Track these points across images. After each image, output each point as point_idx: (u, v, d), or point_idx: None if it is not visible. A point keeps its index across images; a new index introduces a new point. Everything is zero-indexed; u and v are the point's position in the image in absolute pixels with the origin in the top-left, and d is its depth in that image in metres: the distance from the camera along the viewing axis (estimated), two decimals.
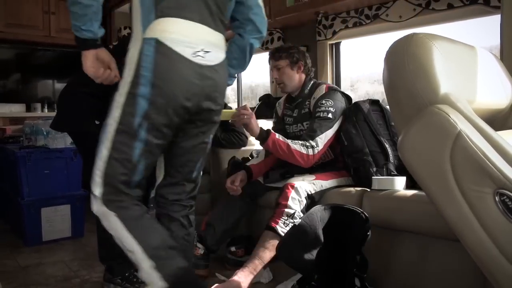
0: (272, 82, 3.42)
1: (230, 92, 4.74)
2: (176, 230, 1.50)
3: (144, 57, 1.28)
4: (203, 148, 1.51)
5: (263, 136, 2.04)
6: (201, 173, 1.58)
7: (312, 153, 2.06)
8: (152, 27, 1.29)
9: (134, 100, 1.29)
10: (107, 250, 1.77)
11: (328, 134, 2.12)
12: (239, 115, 2.00)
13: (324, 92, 2.22)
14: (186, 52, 1.31)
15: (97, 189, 1.32)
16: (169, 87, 1.30)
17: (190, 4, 1.34)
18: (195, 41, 1.33)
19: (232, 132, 2.77)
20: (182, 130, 1.44)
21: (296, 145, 2.05)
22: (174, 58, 1.29)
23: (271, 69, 2.39)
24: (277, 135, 2.05)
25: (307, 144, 2.06)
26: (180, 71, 1.31)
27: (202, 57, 1.33)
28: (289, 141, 2.05)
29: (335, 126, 2.15)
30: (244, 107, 2.03)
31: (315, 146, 2.07)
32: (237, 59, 1.60)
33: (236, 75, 1.66)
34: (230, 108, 2.92)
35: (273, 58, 2.35)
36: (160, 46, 1.28)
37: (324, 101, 2.17)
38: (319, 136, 2.08)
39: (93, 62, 1.32)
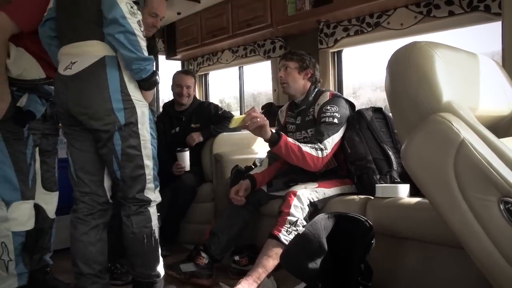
0: (274, 90, 3.43)
1: (232, 101, 4.75)
2: None
3: None
4: (107, 154, 1.65)
5: (275, 139, 1.99)
6: (123, 176, 1.67)
7: (321, 156, 2.05)
8: None
9: None
10: None
11: (335, 138, 2.11)
12: (252, 118, 1.94)
13: (328, 98, 2.23)
14: (60, 69, 1.65)
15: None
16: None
17: (62, 32, 1.68)
18: (66, 58, 1.63)
19: (222, 121, 2.89)
20: (94, 140, 1.67)
21: (307, 148, 2.04)
22: (56, 77, 1.69)
23: (279, 69, 2.40)
24: (288, 138, 2.04)
25: (316, 146, 2.06)
26: (55, 86, 1.70)
27: (70, 69, 1.60)
28: (299, 144, 2.04)
29: (341, 131, 2.15)
30: (253, 110, 1.98)
31: (324, 148, 2.06)
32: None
33: (138, 67, 1.58)
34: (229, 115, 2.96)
35: (284, 58, 2.37)
36: None
37: (329, 107, 2.17)
38: (327, 140, 2.08)
39: None
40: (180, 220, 2.75)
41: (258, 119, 1.94)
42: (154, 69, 1.63)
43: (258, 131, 1.98)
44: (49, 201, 2.03)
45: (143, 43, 1.56)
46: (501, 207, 0.98)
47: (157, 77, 1.65)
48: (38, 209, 1.95)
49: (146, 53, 1.58)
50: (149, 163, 1.67)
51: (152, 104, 1.73)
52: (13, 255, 1.78)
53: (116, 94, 1.57)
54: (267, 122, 1.98)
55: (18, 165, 1.81)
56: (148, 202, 1.70)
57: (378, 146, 2.09)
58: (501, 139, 1.09)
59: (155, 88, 1.76)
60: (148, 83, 1.63)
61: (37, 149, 1.92)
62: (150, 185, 1.69)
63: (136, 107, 1.62)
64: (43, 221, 1.99)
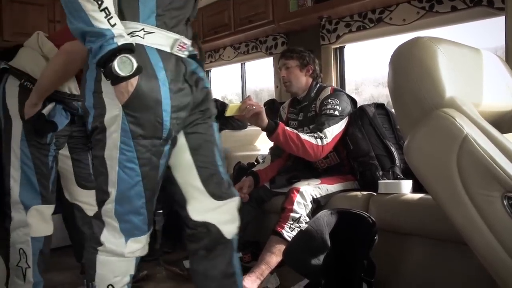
0: (276, 87, 3.42)
1: (235, 98, 4.75)
2: None
3: None
4: None
5: (272, 127, 1.98)
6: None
7: (321, 144, 2.04)
8: None
9: None
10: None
11: (335, 129, 2.10)
12: (247, 106, 1.92)
13: (329, 93, 2.23)
14: None
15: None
16: None
17: None
18: None
19: (229, 118, 2.82)
20: None
21: (306, 136, 2.03)
22: None
23: (280, 68, 2.39)
24: (286, 126, 2.03)
25: (316, 135, 2.05)
26: None
27: None
28: (297, 132, 2.04)
29: (342, 124, 2.14)
30: (249, 98, 1.96)
31: (324, 137, 2.05)
32: None
33: (88, 45, 1.04)
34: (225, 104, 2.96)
35: (284, 57, 2.36)
36: None
37: (330, 100, 2.17)
38: (327, 129, 2.07)
39: None
40: None
41: (254, 107, 1.93)
42: (118, 46, 1.00)
43: (254, 119, 1.97)
44: (85, 199, 1.98)
45: (91, 7, 0.99)
46: (505, 202, 0.98)
47: (114, 64, 1.00)
48: (76, 209, 1.97)
49: (103, 25, 1.00)
50: (111, 191, 1.14)
51: (141, 110, 1.09)
52: (31, 262, 1.75)
53: (90, 84, 1.12)
54: (263, 109, 1.97)
55: (40, 168, 1.76)
56: (96, 241, 1.18)
57: (380, 142, 2.09)
58: (504, 135, 1.08)
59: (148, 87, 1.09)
60: (106, 74, 1.04)
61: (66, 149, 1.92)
62: (109, 220, 1.16)
63: (106, 107, 1.10)
64: (82, 221, 1.99)
